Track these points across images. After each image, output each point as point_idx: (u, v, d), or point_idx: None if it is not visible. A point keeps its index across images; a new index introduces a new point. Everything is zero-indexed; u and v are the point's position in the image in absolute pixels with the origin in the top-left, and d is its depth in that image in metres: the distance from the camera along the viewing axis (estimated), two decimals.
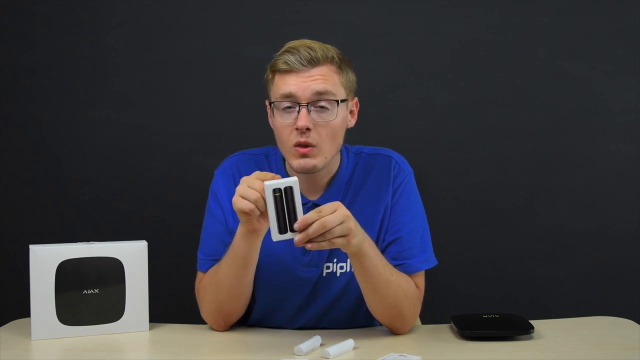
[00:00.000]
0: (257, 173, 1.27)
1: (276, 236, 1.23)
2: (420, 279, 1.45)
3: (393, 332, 1.43)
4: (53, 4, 2.07)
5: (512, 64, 2.08)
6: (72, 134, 2.09)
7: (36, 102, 2.09)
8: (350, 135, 1.53)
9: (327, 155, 1.40)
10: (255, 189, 1.24)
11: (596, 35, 2.07)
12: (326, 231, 1.22)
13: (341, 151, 1.49)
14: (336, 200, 1.43)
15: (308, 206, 1.44)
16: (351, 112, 1.46)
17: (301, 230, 1.22)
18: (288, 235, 1.23)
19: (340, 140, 1.43)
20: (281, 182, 1.23)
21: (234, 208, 1.28)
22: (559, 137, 2.09)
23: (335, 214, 1.23)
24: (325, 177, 1.47)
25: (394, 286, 1.36)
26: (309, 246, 1.23)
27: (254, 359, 1.33)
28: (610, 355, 1.28)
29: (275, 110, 1.40)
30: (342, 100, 1.40)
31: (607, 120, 2.08)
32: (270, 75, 1.42)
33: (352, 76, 1.44)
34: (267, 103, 1.45)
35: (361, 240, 1.30)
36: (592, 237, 2.09)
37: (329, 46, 1.41)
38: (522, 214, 2.10)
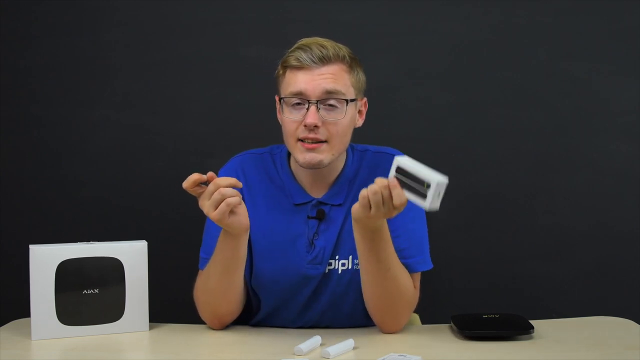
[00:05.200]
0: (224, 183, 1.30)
1: (428, 205, 1.21)
2: (416, 280, 1.45)
3: (385, 330, 1.42)
4: (53, 4, 2.07)
5: (512, 64, 2.08)
6: (72, 134, 2.09)
7: (36, 102, 2.09)
8: (352, 135, 1.53)
9: (334, 152, 1.40)
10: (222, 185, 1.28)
11: (596, 35, 2.07)
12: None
13: (347, 149, 1.50)
14: (340, 198, 1.43)
15: (312, 204, 1.45)
16: (359, 112, 1.47)
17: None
18: (429, 197, 1.21)
19: (348, 139, 1.44)
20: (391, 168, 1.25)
21: (218, 222, 1.31)
22: (559, 137, 2.09)
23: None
24: (330, 175, 1.47)
25: (391, 276, 1.36)
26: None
27: (254, 359, 1.33)
28: (610, 355, 1.28)
29: (284, 106, 1.41)
30: (351, 100, 1.40)
31: (607, 120, 2.08)
32: (281, 71, 1.43)
33: (362, 76, 1.45)
34: (277, 98, 1.45)
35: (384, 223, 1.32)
36: (592, 237, 2.09)
37: (341, 45, 1.41)
38: (522, 214, 2.10)
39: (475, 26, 2.08)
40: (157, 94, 2.10)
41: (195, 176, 1.29)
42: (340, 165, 1.48)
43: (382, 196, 1.24)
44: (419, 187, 1.22)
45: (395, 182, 1.24)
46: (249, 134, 2.02)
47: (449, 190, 2.07)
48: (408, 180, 1.24)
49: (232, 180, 1.29)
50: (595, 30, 2.07)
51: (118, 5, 2.08)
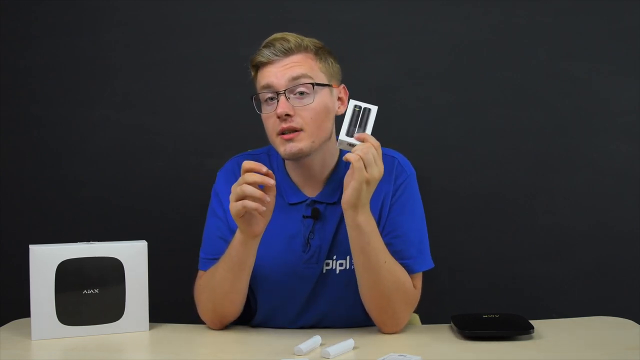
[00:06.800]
0: (244, 168, 1.30)
1: (342, 136, 1.32)
2: (417, 280, 1.45)
3: (384, 331, 1.42)
4: (53, 4, 2.07)
5: (512, 64, 2.08)
6: (72, 134, 2.09)
7: (36, 102, 2.09)
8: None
9: (314, 139, 1.40)
10: (247, 182, 1.28)
11: (596, 35, 2.07)
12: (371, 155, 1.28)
13: None
14: (335, 196, 1.43)
15: (307, 203, 1.45)
16: (340, 99, 1.47)
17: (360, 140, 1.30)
18: (351, 139, 1.32)
19: (327, 125, 1.43)
20: (364, 103, 1.35)
21: (232, 215, 1.30)
22: (559, 137, 2.09)
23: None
24: (323, 173, 1.47)
25: (386, 271, 1.36)
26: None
27: (254, 359, 1.33)
28: (610, 355, 1.28)
29: (260, 104, 1.43)
30: (321, 85, 1.41)
31: (607, 120, 2.08)
32: (253, 73, 1.46)
33: (334, 63, 1.46)
34: (252, 99, 1.46)
35: (367, 211, 1.33)
36: (592, 237, 2.09)
37: (305, 37, 1.44)
38: (522, 214, 2.10)
39: (475, 26, 2.08)
40: (157, 94, 2.10)
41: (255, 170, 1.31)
42: (332, 162, 1.48)
43: (373, 155, 1.28)
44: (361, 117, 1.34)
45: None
46: (249, 134, 2.00)
47: (449, 190, 2.10)
48: (360, 122, 1.34)
49: (257, 178, 1.29)
50: (595, 30, 2.07)
51: (118, 5, 2.08)
